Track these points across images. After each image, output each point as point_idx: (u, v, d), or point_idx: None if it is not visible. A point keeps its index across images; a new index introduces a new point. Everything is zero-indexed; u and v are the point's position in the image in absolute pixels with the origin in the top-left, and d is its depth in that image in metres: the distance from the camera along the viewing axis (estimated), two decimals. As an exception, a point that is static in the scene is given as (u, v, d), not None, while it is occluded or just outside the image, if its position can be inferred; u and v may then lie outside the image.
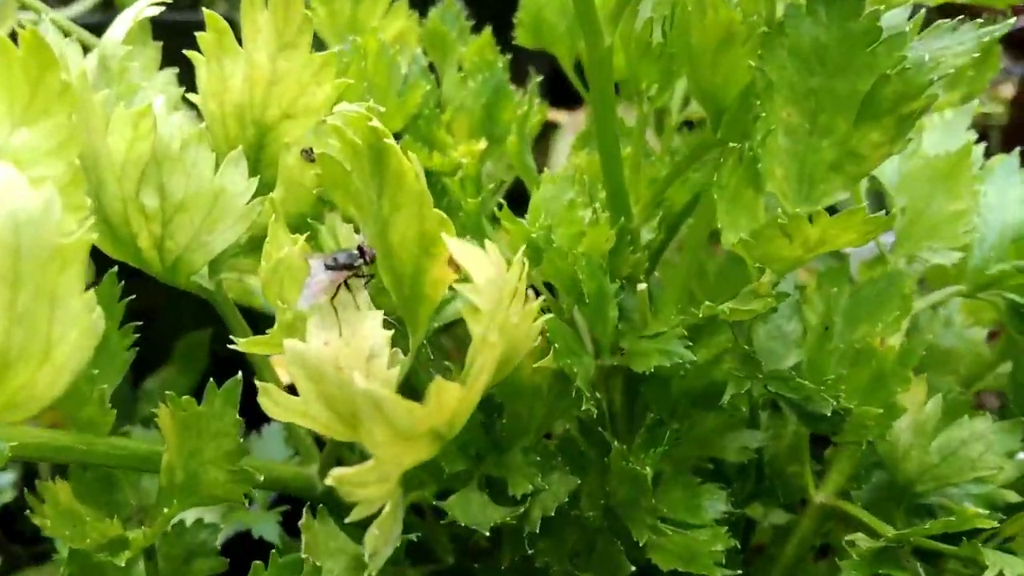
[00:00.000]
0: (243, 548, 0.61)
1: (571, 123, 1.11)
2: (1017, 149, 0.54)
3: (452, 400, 0.26)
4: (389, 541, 0.30)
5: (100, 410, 0.40)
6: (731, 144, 0.46)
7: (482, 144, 0.65)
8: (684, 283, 0.49)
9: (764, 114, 0.41)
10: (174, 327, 0.79)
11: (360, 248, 0.35)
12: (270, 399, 0.31)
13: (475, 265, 0.29)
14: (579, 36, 0.67)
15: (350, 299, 0.31)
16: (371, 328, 0.31)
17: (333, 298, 0.33)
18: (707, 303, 0.40)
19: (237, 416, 0.39)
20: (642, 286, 0.48)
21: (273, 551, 0.44)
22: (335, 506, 0.49)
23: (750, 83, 0.44)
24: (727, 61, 0.44)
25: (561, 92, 0.76)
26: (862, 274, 0.57)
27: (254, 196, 0.43)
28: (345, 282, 0.34)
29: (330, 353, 0.31)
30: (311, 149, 0.42)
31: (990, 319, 0.64)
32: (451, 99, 0.67)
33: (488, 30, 0.68)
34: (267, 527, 0.58)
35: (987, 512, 0.42)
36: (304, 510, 0.46)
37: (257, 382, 0.31)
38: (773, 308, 0.41)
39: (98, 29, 0.64)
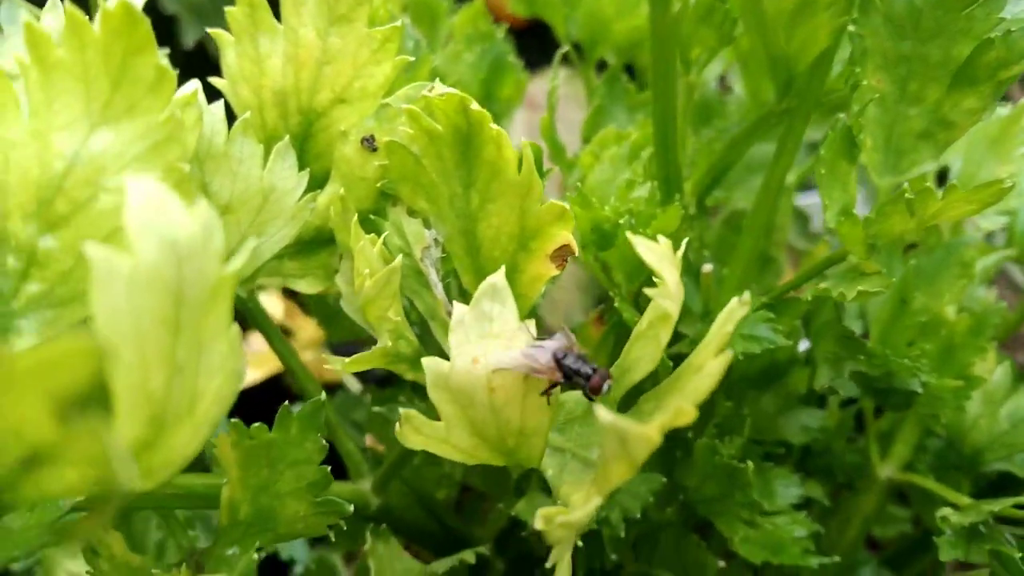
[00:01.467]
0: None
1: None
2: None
3: (682, 423, 0.22)
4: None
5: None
6: (802, 118, 0.44)
7: (524, 140, 0.61)
8: (748, 263, 0.46)
9: (864, 82, 0.38)
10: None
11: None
12: (411, 427, 0.27)
13: (664, 265, 0.26)
14: (577, 5, 0.63)
15: (502, 313, 0.27)
16: (526, 340, 0.27)
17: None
18: (820, 286, 0.38)
19: (321, 442, 0.34)
20: (707, 267, 0.45)
21: None
22: (389, 523, 0.45)
23: (825, 50, 0.42)
24: (806, 27, 0.41)
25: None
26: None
27: (304, 193, 0.38)
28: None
29: (481, 373, 0.27)
30: (373, 137, 0.37)
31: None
32: (446, 73, 0.62)
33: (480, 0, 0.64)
34: (295, 547, 0.54)
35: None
36: (368, 534, 0.42)
37: (401, 410, 0.27)
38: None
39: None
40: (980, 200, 0.35)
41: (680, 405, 0.22)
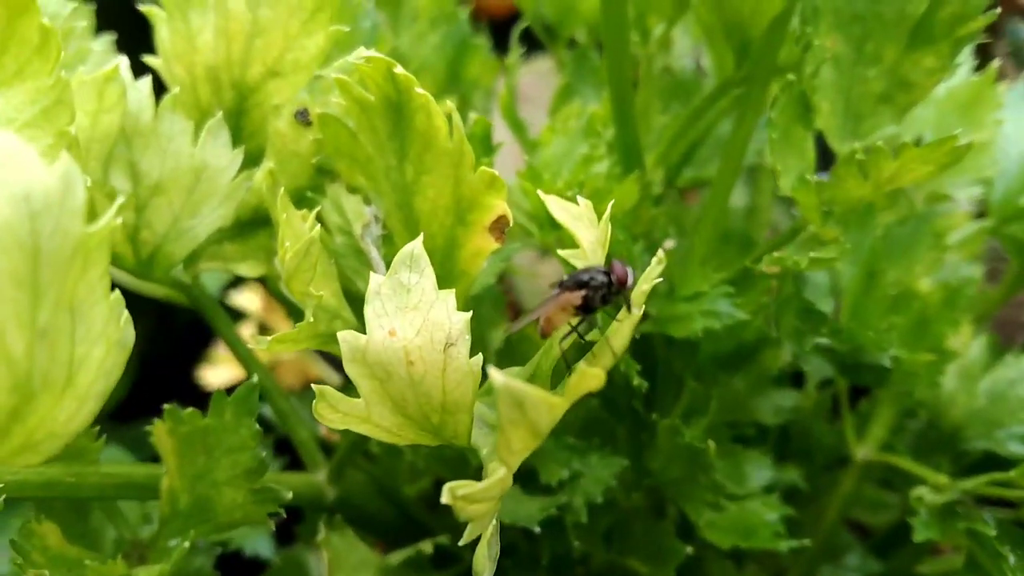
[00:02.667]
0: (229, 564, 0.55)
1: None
2: None
3: (588, 389, 0.21)
4: (494, 560, 0.25)
5: (88, 435, 0.33)
6: (760, 85, 0.42)
7: (450, 104, 0.60)
8: (710, 238, 0.45)
9: (815, 43, 0.37)
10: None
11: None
12: (327, 404, 0.26)
13: (578, 225, 0.25)
14: (543, -16, 0.62)
15: (419, 283, 0.26)
16: (444, 311, 0.26)
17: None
18: (774, 255, 0.37)
19: (255, 427, 0.33)
20: (670, 243, 0.44)
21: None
22: (346, 514, 0.44)
23: (781, 13, 0.41)
24: (758, -11, 0.40)
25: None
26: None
27: (239, 171, 0.37)
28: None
29: (399, 345, 0.25)
30: (306, 110, 0.36)
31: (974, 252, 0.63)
32: (411, 56, 0.61)
33: (445, -20, 0.62)
34: (260, 542, 0.52)
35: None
36: (321, 525, 0.41)
37: (315, 386, 0.26)
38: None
39: None
40: (936, 160, 0.33)
41: (585, 368, 0.20)
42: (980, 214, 0.55)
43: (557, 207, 0.25)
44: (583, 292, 0.27)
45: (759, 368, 0.48)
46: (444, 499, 0.22)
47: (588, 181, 0.42)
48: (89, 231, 0.19)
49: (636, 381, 0.39)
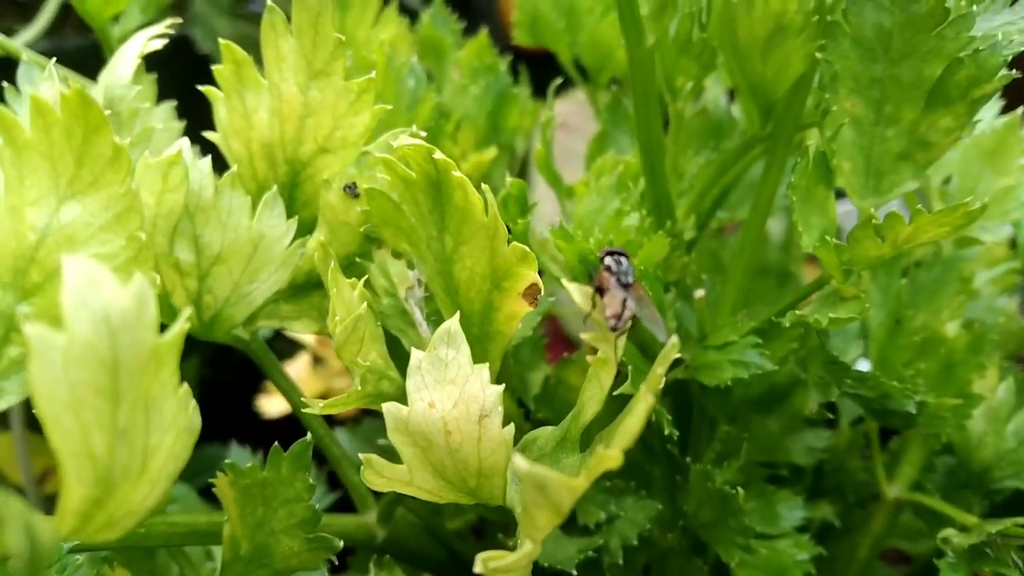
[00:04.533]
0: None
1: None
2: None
3: (605, 469, 0.23)
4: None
5: (157, 490, 0.36)
6: (784, 142, 0.44)
7: (492, 152, 0.62)
8: (739, 286, 0.47)
9: (834, 108, 0.38)
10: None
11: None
12: (373, 471, 0.29)
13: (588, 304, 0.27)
14: (578, 32, 0.64)
15: (456, 358, 0.29)
16: (479, 385, 0.28)
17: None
18: (795, 312, 0.38)
19: (309, 480, 0.36)
20: (700, 293, 0.46)
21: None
22: (395, 552, 0.46)
23: (802, 75, 0.42)
24: (779, 54, 0.42)
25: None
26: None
27: (293, 239, 0.39)
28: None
29: (437, 417, 0.28)
30: (355, 184, 0.39)
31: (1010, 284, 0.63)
32: (453, 107, 0.64)
33: (484, 32, 0.65)
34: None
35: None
36: (371, 565, 0.44)
37: (361, 455, 0.29)
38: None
39: (46, 57, 0.61)
40: (950, 223, 0.35)
41: (603, 452, 0.22)
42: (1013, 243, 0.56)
43: (576, 291, 0.27)
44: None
45: (791, 409, 0.50)
46: (477, 569, 0.24)
47: (619, 235, 0.44)
48: (161, 341, 0.22)
49: (668, 430, 0.41)
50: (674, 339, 0.26)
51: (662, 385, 0.27)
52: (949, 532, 0.43)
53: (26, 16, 1.21)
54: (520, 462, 0.22)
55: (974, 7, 0.38)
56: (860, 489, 0.52)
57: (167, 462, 0.24)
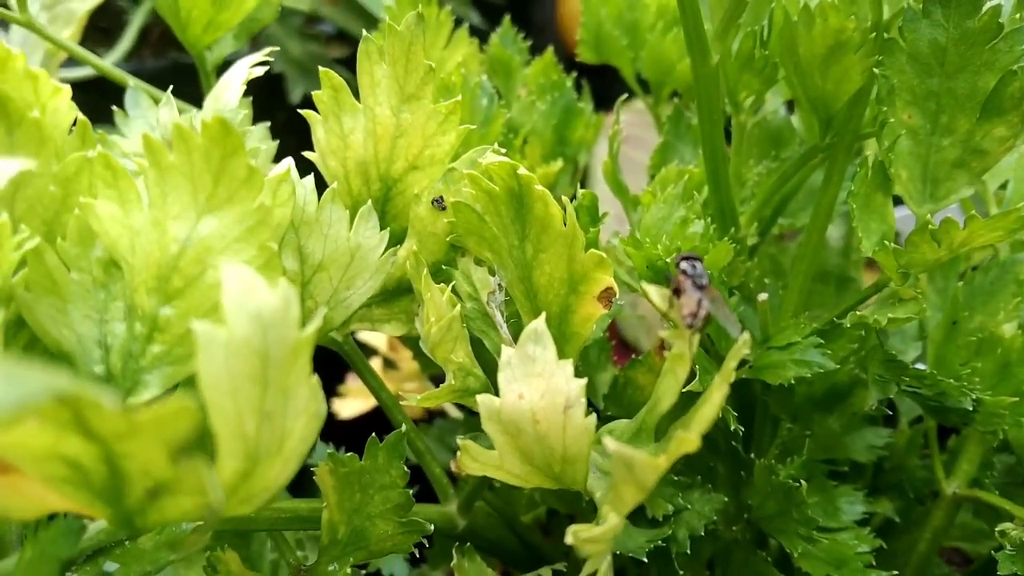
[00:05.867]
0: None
1: (608, 125, 1.12)
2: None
3: (686, 450, 0.26)
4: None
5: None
6: (844, 152, 0.46)
7: (558, 164, 0.65)
8: (801, 290, 0.49)
9: (891, 120, 0.41)
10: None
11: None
12: (469, 455, 0.32)
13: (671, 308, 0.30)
14: (640, 48, 0.67)
15: (543, 354, 0.32)
16: (564, 378, 0.31)
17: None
18: (856, 313, 0.41)
19: (403, 468, 0.39)
20: (763, 296, 0.48)
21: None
22: (474, 542, 0.49)
23: (860, 88, 0.45)
24: (838, 68, 0.44)
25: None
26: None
27: (385, 249, 0.43)
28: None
29: (526, 407, 0.31)
30: (442, 198, 0.42)
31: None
32: (521, 123, 0.67)
33: (550, 51, 0.68)
34: (396, 564, 0.59)
35: None
36: (454, 551, 0.47)
37: (459, 440, 0.32)
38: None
39: (136, 75, 0.65)
40: (1004, 227, 0.37)
41: (682, 435, 0.25)
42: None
43: (654, 293, 0.30)
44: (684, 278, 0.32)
45: (851, 408, 0.52)
46: (568, 540, 0.27)
47: (685, 243, 0.47)
48: (301, 336, 0.25)
49: (733, 426, 0.43)
50: (745, 335, 0.29)
51: (732, 379, 0.29)
52: (1007, 525, 0.45)
53: (108, 40, 1.28)
54: (610, 443, 0.25)
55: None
56: (920, 486, 0.54)
57: (299, 443, 0.27)
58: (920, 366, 0.50)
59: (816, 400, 0.52)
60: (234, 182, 0.30)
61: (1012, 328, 0.49)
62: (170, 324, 0.30)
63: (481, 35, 0.72)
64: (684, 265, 0.32)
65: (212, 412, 0.23)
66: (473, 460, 0.32)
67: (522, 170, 0.37)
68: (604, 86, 0.81)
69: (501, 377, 0.32)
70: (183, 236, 0.30)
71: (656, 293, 0.30)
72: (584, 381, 0.31)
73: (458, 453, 0.32)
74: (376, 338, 0.90)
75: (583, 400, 0.31)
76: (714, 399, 0.27)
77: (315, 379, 0.27)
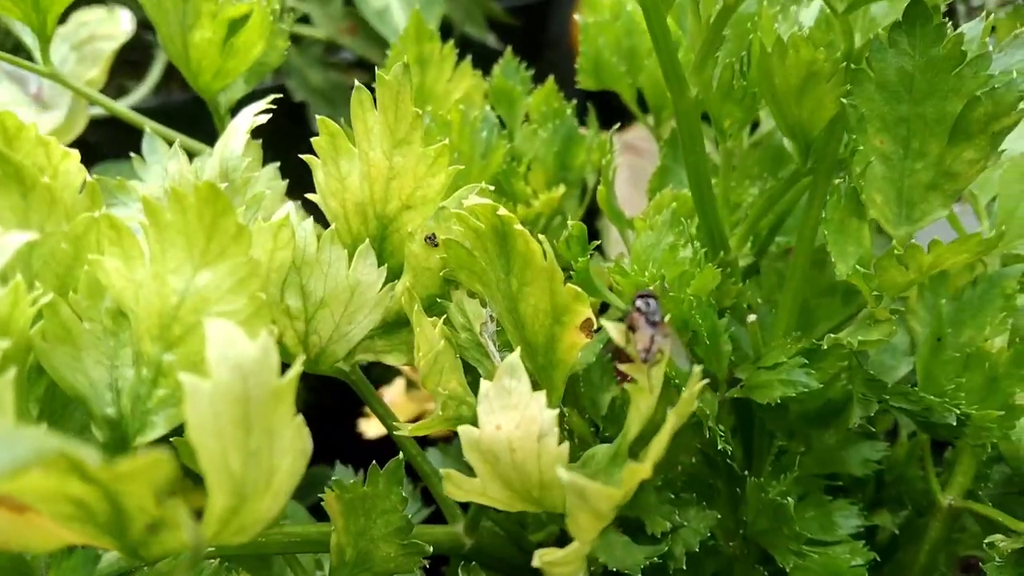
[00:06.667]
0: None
1: (616, 143, 1.13)
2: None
3: (639, 479, 0.28)
4: (585, 607, 0.32)
5: (276, 504, 0.43)
6: (824, 176, 0.48)
7: (560, 190, 0.68)
8: (791, 310, 0.50)
9: (861, 147, 0.42)
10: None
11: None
12: (453, 483, 0.34)
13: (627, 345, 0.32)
14: (638, 73, 0.69)
15: (518, 386, 0.34)
16: (538, 409, 0.33)
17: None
18: (831, 335, 0.42)
19: (403, 494, 0.42)
20: (752, 318, 0.50)
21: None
22: (481, 560, 0.51)
23: (836, 116, 0.46)
24: (811, 98, 0.45)
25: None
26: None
27: (383, 284, 0.45)
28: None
29: (503, 437, 0.33)
30: (434, 235, 0.44)
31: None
32: (524, 150, 0.69)
33: (551, 80, 0.70)
34: (412, 584, 0.61)
35: None
36: (459, 570, 0.49)
37: (442, 471, 0.34)
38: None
39: (156, 113, 0.69)
40: (967, 250, 0.38)
41: (634, 465, 0.27)
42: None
43: (612, 329, 0.32)
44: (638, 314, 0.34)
45: (847, 423, 0.53)
46: (535, 563, 0.29)
47: (673, 268, 0.49)
48: (280, 382, 0.28)
49: (721, 444, 0.45)
50: (696, 368, 0.31)
51: (693, 409, 0.31)
52: (996, 537, 0.46)
53: (136, 73, 1.32)
54: (563, 473, 0.26)
55: (990, 48, 0.42)
56: (919, 498, 0.55)
57: (286, 479, 0.29)
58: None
59: (811, 417, 0.53)
60: (225, 238, 0.32)
61: (1001, 342, 0.50)
62: (172, 369, 0.33)
63: (496, 55, 0.74)
64: (639, 303, 0.34)
65: (200, 453, 0.26)
66: (457, 488, 0.34)
67: (502, 210, 0.39)
68: (615, 101, 0.83)
69: (480, 409, 0.34)
70: (181, 288, 0.33)
71: (615, 329, 0.32)
72: (556, 411, 0.33)
73: (443, 482, 0.35)
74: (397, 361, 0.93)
75: (555, 429, 0.33)
76: (663, 431, 0.29)
77: (299, 419, 0.30)
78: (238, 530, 0.29)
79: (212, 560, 0.41)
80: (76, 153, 0.36)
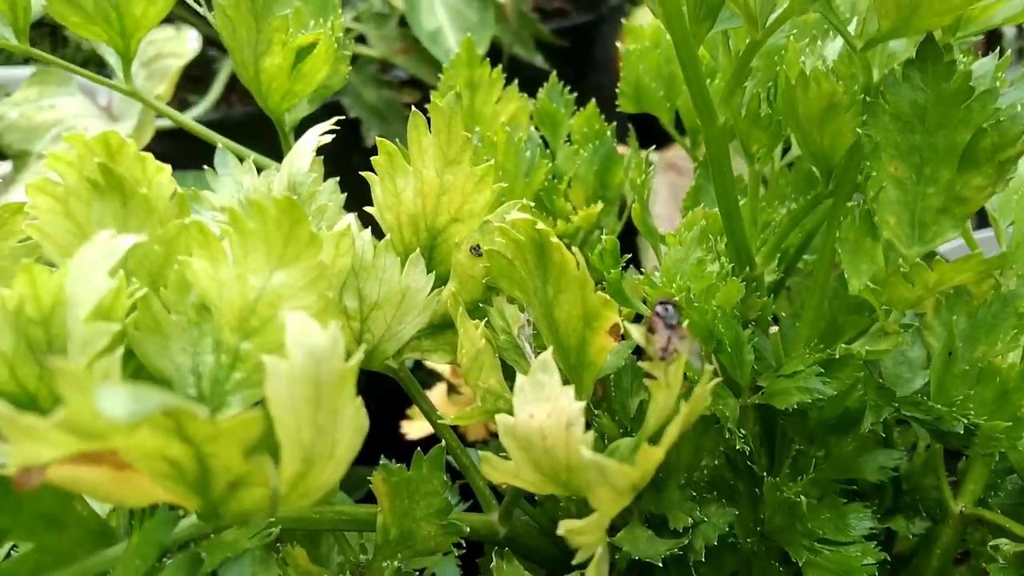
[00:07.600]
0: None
1: (658, 161, 1.18)
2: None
3: (654, 461, 0.32)
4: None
5: (331, 485, 0.47)
6: (843, 199, 0.51)
7: (599, 207, 0.72)
8: (812, 323, 0.54)
9: (875, 173, 0.46)
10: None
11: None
12: (490, 465, 0.38)
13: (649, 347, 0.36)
14: (676, 97, 0.73)
15: (550, 380, 0.38)
16: (567, 401, 0.37)
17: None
18: (843, 345, 0.46)
19: (444, 478, 0.46)
20: (774, 329, 0.53)
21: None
22: (514, 548, 0.55)
23: (855, 144, 0.50)
24: (832, 127, 0.49)
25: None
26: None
27: (432, 289, 0.50)
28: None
29: (536, 425, 0.37)
30: (479, 246, 0.49)
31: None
32: (565, 169, 0.74)
33: (593, 103, 0.75)
34: (448, 569, 0.65)
35: None
36: (492, 554, 0.53)
37: (480, 452, 0.38)
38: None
39: (217, 125, 0.74)
40: (971, 269, 0.42)
41: (649, 449, 0.31)
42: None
43: (634, 331, 0.36)
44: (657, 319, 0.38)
45: (863, 431, 0.56)
46: (559, 531, 0.33)
47: (700, 281, 0.52)
48: (346, 366, 0.32)
49: (739, 445, 0.49)
50: (708, 367, 0.35)
51: (706, 403, 0.35)
52: (1001, 540, 0.49)
53: (199, 88, 1.39)
54: (585, 452, 0.30)
55: (998, 84, 0.45)
56: (933, 506, 0.57)
57: (346, 450, 0.34)
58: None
59: (829, 424, 0.56)
60: (299, 244, 0.37)
61: (1013, 358, 0.53)
62: (249, 356, 0.38)
63: (544, 75, 0.78)
64: (659, 308, 0.37)
65: (277, 425, 0.30)
66: (494, 469, 0.38)
67: (540, 225, 0.43)
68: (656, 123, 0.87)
69: (515, 400, 0.38)
70: (259, 286, 0.38)
71: (636, 331, 0.36)
72: (584, 403, 0.37)
73: (481, 464, 0.39)
74: (441, 365, 0.97)
75: (582, 419, 0.37)
76: (677, 420, 0.32)
77: (359, 400, 0.34)
78: (304, 493, 0.33)
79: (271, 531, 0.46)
80: (168, 167, 0.42)
